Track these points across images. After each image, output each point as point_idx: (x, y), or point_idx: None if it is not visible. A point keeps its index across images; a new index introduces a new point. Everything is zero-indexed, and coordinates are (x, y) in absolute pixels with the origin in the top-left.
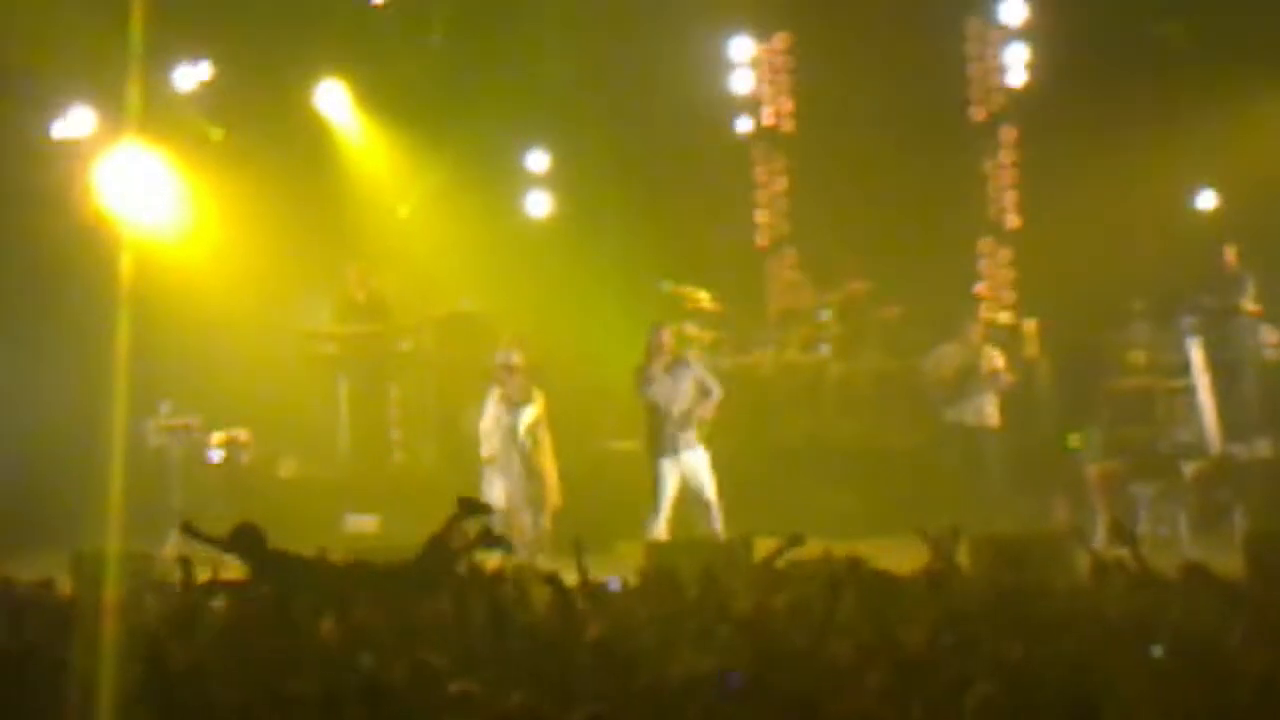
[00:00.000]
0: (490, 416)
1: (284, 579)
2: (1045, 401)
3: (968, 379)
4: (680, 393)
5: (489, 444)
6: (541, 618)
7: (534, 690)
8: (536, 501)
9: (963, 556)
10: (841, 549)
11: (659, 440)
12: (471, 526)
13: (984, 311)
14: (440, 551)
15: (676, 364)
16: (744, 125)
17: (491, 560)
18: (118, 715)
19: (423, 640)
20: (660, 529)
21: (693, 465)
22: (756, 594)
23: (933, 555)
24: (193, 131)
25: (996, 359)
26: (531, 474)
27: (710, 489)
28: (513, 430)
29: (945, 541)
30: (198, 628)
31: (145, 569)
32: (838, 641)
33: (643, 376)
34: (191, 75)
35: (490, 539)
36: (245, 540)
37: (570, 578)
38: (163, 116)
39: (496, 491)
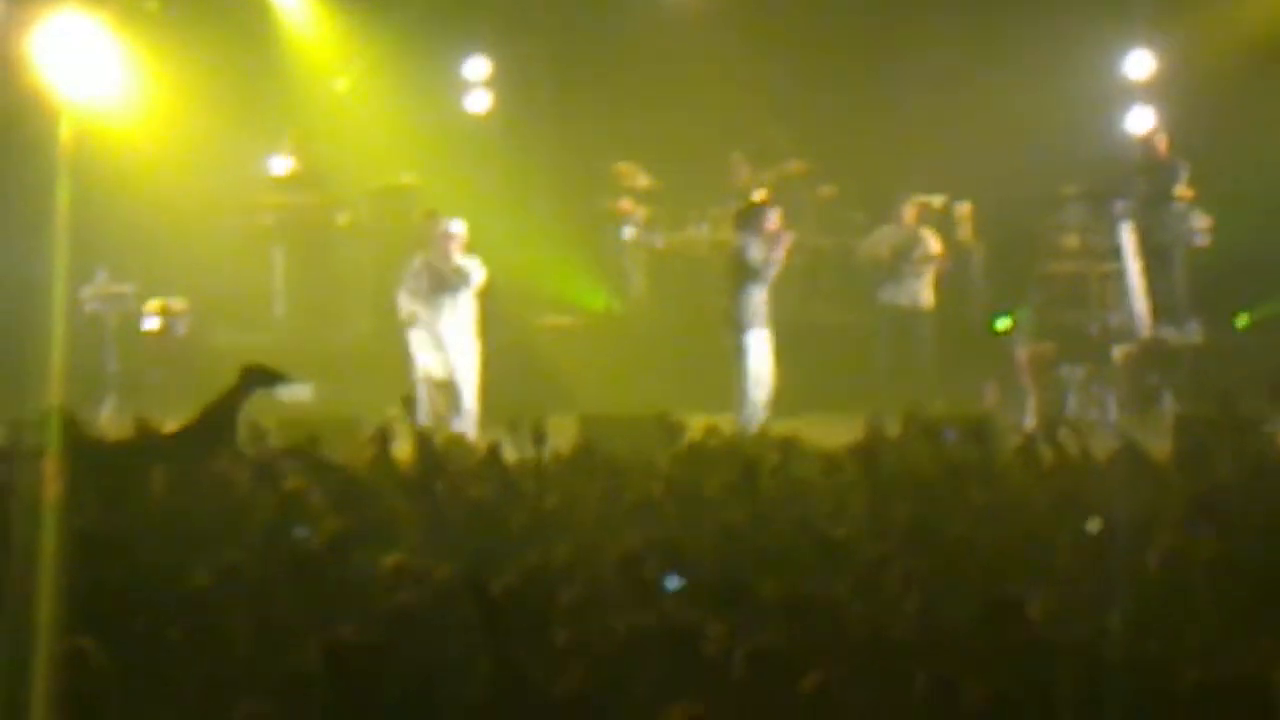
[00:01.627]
0: (410, 288)
1: (79, 459)
2: (978, 284)
3: (901, 261)
4: None
5: (429, 311)
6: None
7: (463, 560)
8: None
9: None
10: (773, 426)
11: (757, 313)
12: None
13: (918, 193)
14: (221, 413)
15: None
16: (680, 1)
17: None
18: (52, 581)
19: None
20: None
21: (766, 341)
22: (683, 469)
23: (867, 434)
24: (129, 1)
25: (931, 241)
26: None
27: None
28: (449, 300)
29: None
30: (130, 496)
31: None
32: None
33: (755, 254)
34: None
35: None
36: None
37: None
38: None
39: (426, 359)
